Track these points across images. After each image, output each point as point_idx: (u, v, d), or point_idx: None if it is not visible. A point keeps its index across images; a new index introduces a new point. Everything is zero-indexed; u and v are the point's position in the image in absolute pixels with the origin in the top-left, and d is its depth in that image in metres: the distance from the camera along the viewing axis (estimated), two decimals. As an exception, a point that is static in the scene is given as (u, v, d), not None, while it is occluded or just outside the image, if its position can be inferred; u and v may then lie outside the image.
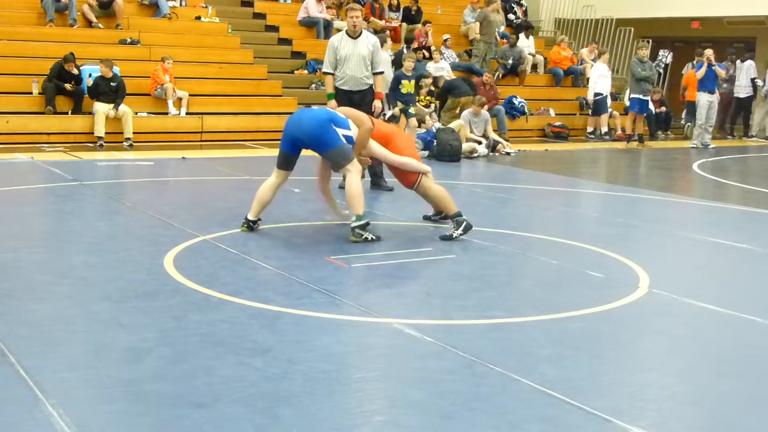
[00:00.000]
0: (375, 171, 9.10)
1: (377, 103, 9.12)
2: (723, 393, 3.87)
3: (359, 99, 8.99)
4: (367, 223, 6.62)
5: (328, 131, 6.57)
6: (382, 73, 9.29)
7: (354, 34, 9.05)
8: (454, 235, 6.72)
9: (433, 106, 15.28)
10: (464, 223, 6.77)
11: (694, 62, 18.48)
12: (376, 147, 6.93)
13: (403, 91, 11.78)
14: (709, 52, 16.21)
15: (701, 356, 4.43)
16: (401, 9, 19.04)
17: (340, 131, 6.64)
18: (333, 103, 9.06)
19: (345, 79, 9.04)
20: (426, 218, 7.53)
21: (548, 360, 4.13)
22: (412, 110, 11.97)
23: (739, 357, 4.37)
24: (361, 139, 6.76)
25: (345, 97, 9.03)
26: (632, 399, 3.72)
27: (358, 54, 8.97)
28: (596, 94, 16.86)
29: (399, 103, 11.79)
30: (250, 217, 6.89)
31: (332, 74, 9.12)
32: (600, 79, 16.83)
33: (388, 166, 7.23)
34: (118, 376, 3.74)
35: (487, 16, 17.72)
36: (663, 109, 18.23)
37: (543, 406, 3.57)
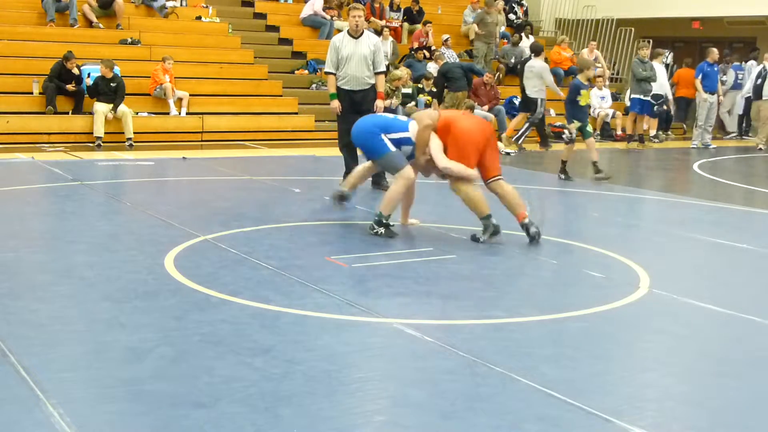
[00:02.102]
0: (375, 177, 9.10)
1: (379, 103, 9.14)
2: (723, 393, 3.87)
3: (361, 98, 9.02)
4: (388, 224, 6.77)
5: (373, 140, 6.82)
6: (383, 72, 9.32)
7: (356, 34, 9.07)
8: (482, 239, 6.68)
9: (434, 106, 15.30)
10: (490, 227, 6.70)
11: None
12: (433, 146, 6.76)
13: (582, 102, 10.60)
14: (713, 52, 16.24)
15: (701, 356, 4.43)
16: (401, 9, 19.08)
17: (394, 135, 6.79)
18: (335, 102, 9.13)
19: (347, 79, 9.06)
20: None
21: (548, 360, 4.13)
22: (589, 127, 10.81)
23: (739, 357, 4.37)
24: (419, 138, 6.77)
25: (347, 97, 9.07)
26: (632, 399, 3.72)
27: (360, 54, 8.99)
28: (655, 96, 16.58)
29: (575, 120, 10.59)
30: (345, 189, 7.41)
31: (334, 74, 9.15)
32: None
33: None
34: (118, 376, 3.74)
35: (483, 19, 17.90)
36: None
37: (543, 406, 3.57)
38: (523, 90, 14.90)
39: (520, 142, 14.87)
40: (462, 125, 6.76)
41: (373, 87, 9.15)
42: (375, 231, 6.75)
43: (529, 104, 14.67)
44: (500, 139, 14.99)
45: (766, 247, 7.10)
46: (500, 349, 4.29)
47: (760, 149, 16.15)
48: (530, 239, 6.68)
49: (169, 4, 16.61)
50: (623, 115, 17.23)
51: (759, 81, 16.46)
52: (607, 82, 18.44)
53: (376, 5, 18.47)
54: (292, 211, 7.84)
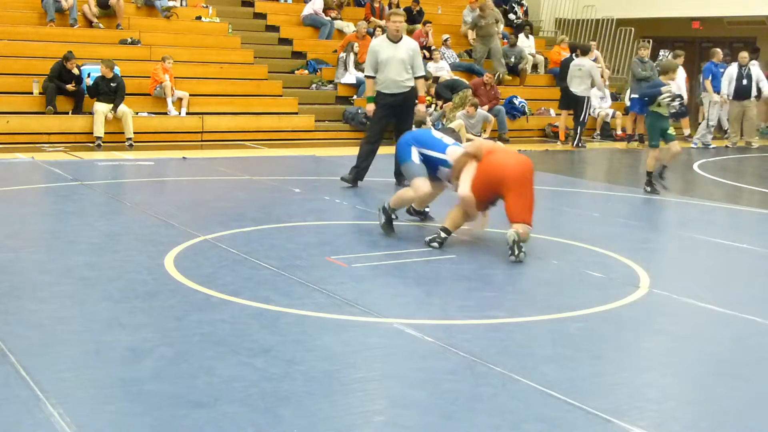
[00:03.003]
0: (398, 170, 9.13)
1: (421, 107, 9.33)
2: (723, 393, 3.87)
3: (401, 101, 9.19)
4: (390, 218, 6.87)
5: (401, 148, 7.01)
6: (423, 76, 9.46)
7: (395, 39, 9.18)
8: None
9: (433, 106, 15.29)
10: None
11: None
12: (464, 174, 6.54)
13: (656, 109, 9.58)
14: (718, 52, 16.26)
15: (701, 356, 4.43)
16: (401, 9, 19.08)
17: (427, 152, 6.81)
18: (371, 106, 9.38)
19: (386, 83, 9.23)
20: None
21: (549, 360, 4.13)
22: (672, 130, 9.64)
23: (739, 357, 4.37)
24: (456, 162, 6.62)
25: (387, 100, 9.21)
26: (632, 399, 3.72)
27: (398, 58, 9.14)
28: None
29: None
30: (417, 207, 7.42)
31: (373, 77, 9.34)
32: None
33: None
34: (118, 376, 3.75)
35: (477, 22, 18.02)
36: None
37: (543, 406, 3.57)
38: (565, 88, 15.20)
39: (582, 144, 15.24)
40: (490, 160, 6.43)
41: (413, 90, 9.29)
42: (380, 221, 6.86)
43: (572, 102, 14.98)
44: (501, 139, 15.03)
45: (766, 247, 7.10)
46: (500, 349, 4.29)
47: (754, 147, 16.20)
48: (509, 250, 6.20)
49: (169, 3, 16.60)
50: (623, 115, 17.23)
51: (745, 81, 16.34)
52: (608, 82, 18.42)
53: (376, 5, 18.46)
54: (292, 211, 7.84)
